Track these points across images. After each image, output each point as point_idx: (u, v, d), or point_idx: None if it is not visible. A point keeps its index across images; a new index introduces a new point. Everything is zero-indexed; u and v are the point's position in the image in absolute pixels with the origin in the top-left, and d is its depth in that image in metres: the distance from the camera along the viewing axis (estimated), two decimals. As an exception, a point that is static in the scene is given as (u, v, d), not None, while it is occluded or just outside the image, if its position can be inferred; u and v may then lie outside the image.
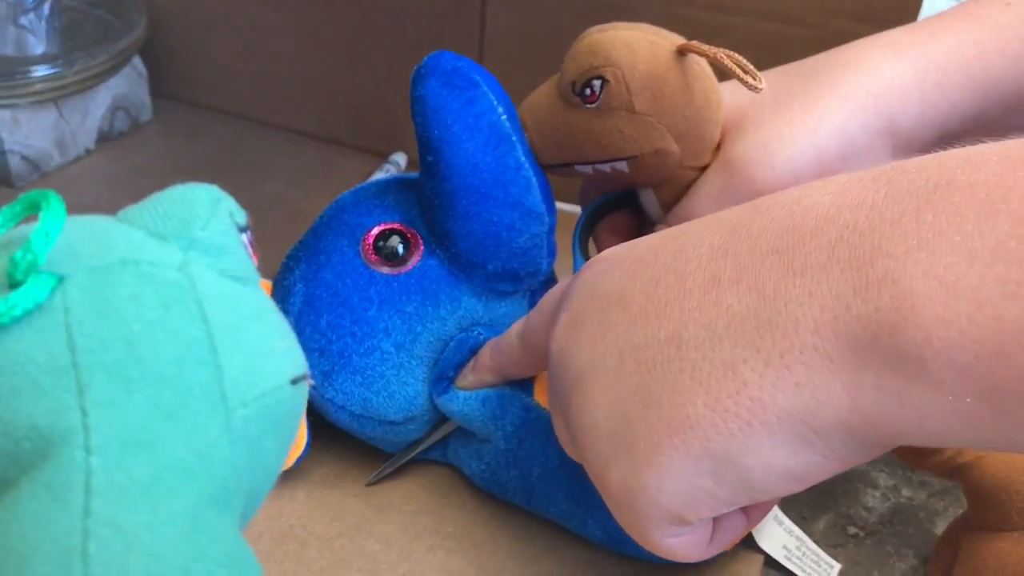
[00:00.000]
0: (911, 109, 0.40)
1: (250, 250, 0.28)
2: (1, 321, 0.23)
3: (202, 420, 0.24)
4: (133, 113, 0.72)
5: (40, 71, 0.62)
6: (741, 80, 0.38)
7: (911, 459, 0.40)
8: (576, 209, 0.50)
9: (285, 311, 0.41)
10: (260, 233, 0.54)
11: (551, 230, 0.43)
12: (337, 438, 0.44)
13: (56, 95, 0.64)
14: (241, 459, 0.24)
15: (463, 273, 0.43)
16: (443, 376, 0.42)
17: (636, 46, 0.40)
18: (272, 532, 0.42)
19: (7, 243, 0.25)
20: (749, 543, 0.42)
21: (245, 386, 0.25)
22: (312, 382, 0.28)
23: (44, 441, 0.22)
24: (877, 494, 0.46)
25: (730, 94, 0.42)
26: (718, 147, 0.42)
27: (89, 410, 0.22)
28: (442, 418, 0.44)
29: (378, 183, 0.46)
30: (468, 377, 0.42)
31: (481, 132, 0.40)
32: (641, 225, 0.47)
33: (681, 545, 0.32)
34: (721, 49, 0.39)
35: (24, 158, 0.64)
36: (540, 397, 0.42)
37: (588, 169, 0.43)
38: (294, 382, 0.27)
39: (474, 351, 0.43)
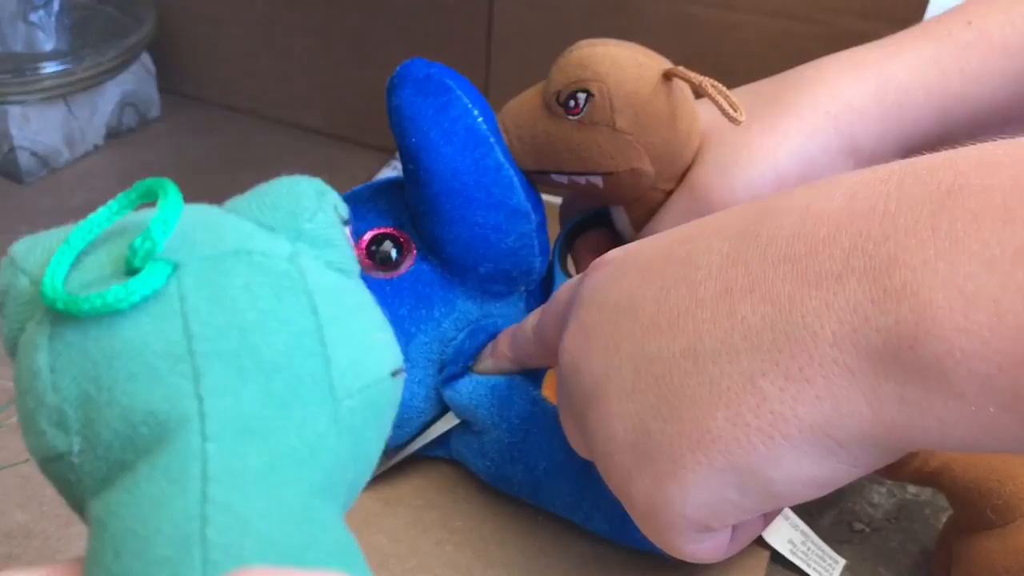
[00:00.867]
0: (872, 127, 0.40)
1: (351, 242, 0.28)
2: (119, 307, 0.23)
3: (312, 410, 0.24)
4: (142, 109, 0.72)
5: (49, 67, 0.62)
6: (723, 111, 0.39)
7: (884, 470, 0.40)
8: (560, 201, 0.50)
9: None
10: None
11: (540, 227, 0.43)
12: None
13: (65, 91, 0.64)
14: (346, 450, 0.25)
15: (456, 277, 0.43)
16: (455, 364, 0.43)
17: (624, 64, 0.41)
18: (281, 526, 0.42)
19: (123, 230, 0.25)
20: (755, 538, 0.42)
21: (351, 377, 0.25)
22: (405, 375, 0.29)
23: (161, 427, 0.22)
24: (883, 490, 0.46)
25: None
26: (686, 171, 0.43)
27: (205, 397, 0.23)
28: (430, 422, 0.44)
29: (371, 186, 0.46)
30: (487, 362, 0.42)
31: (458, 136, 0.41)
32: (619, 243, 0.47)
33: (703, 549, 0.32)
34: (706, 78, 0.39)
35: (33, 154, 0.65)
36: (548, 391, 0.43)
37: (564, 179, 0.43)
38: (394, 374, 0.27)
39: (488, 339, 0.43)
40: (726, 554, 0.34)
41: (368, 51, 0.67)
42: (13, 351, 0.25)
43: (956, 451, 0.26)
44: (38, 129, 0.64)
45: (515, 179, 0.42)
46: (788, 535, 0.42)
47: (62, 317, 0.24)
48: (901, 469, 0.39)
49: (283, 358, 0.24)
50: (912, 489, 0.46)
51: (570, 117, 0.41)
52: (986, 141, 0.27)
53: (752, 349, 0.28)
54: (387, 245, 0.43)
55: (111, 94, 0.69)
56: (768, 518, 0.35)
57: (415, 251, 0.43)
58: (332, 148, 0.71)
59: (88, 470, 0.23)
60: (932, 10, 0.51)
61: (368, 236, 0.43)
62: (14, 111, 0.62)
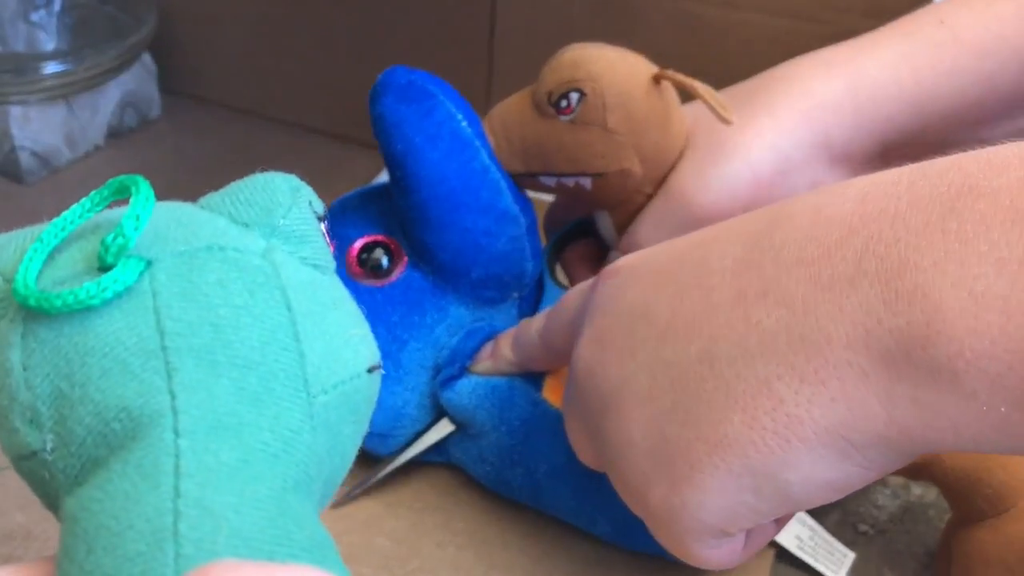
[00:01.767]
0: (845, 122, 0.41)
1: (327, 239, 0.28)
2: (92, 303, 0.23)
3: (286, 406, 0.24)
4: (142, 109, 0.72)
5: (50, 67, 0.62)
6: (715, 112, 0.39)
7: None
8: (551, 199, 0.51)
9: None
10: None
11: (530, 230, 0.43)
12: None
13: (66, 91, 0.64)
14: (321, 445, 0.25)
15: (448, 283, 0.43)
16: (451, 365, 0.42)
17: (617, 65, 0.41)
18: (282, 528, 0.42)
19: (95, 227, 0.25)
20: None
21: (326, 373, 0.25)
22: (383, 371, 0.29)
23: (134, 422, 0.23)
24: (887, 492, 0.46)
25: None
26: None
27: (178, 393, 0.23)
28: (421, 430, 0.44)
29: (361, 193, 0.46)
30: (486, 363, 0.42)
31: (443, 141, 0.41)
32: (606, 252, 0.48)
33: (719, 555, 0.32)
34: (696, 81, 0.39)
35: (34, 154, 0.65)
36: (549, 394, 0.42)
37: (551, 181, 0.43)
38: (370, 370, 0.27)
39: (485, 340, 0.43)
40: (742, 559, 0.33)
41: (370, 51, 0.67)
42: None
43: (970, 452, 0.27)
44: (39, 129, 0.64)
45: (502, 182, 0.42)
46: (795, 531, 0.42)
47: (35, 314, 0.24)
48: None
49: (256, 353, 0.24)
50: (917, 491, 0.46)
51: (562, 117, 0.41)
52: (960, 138, 0.27)
53: (767, 352, 0.28)
54: (378, 253, 0.43)
55: (112, 94, 0.68)
56: (781, 523, 0.35)
57: (406, 258, 0.43)
58: (334, 148, 0.71)
59: (62, 467, 0.23)
60: (935, 8, 0.50)
61: (359, 244, 0.43)
62: (15, 111, 0.62)
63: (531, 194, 0.45)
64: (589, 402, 0.33)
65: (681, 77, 0.40)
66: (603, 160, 0.41)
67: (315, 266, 0.27)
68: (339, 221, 0.44)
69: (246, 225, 0.26)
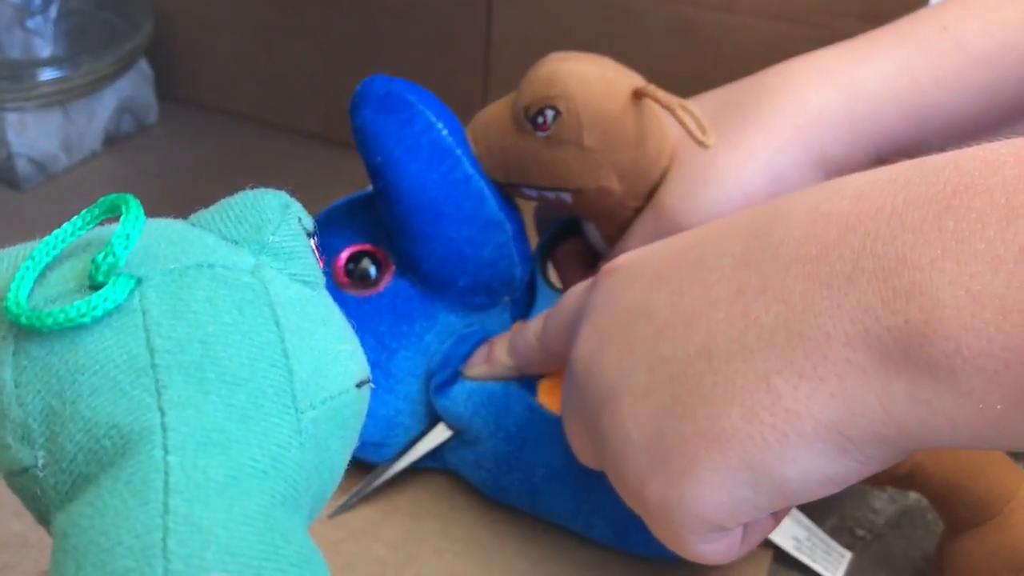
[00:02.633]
0: (842, 137, 0.40)
1: (317, 255, 0.29)
2: (82, 321, 0.24)
3: (274, 422, 0.24)
4: (139, 115, 0.72)
5: (47, 74, 0.62)
6: (692, 135, 0.38)
7: (866, 479, 0.40)
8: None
9: None
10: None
11: (516, 236, 0.43)
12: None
13: (62, 98, 0.64)
14: (310, 460, 0.25)
15: (436, 292, 0.43)
16: (444, 370, 0.42)
17: (593, 83, 0.40)
18: (279, 535, 0.42)
19: (86, 245, 0.26)
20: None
21: (314, 389, 0.25)
22: (372, 385, 0.29)
23: (124, 439, 0.23)
24: (884, 496, 0.46)
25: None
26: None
27: (167, 410, 0.23)
28: (415, 438, 0.44)
29: (348, 202, 0.46)
30: (480, 367, 0.42)
31: (422, 151, 0.40)
32: (598, 251, 0.48)
33: (716, 550, 0.32)
34: (676, 99, 0.39)
35: (31, 160, 0.65)
36: (544, 398, 0.42)
37: (532, 193, 0.43)
38: (359, 385, 0.27)
39: (477, 344, 0.43)
40: (739, 554, 0.33)
41: (367, 55, 0.67)
42: None
43: (967, 448, 0.27)
44: (36, 135, 0.64)
45: (486, 190, 0.42)
46: (792, 532, 0.42)
47: (26, 332, 0.24)
48: (878, 474, 0.39)
49: (245, 370, 0.24)
50: (914, 495, 0.46)
51: (539, 133, 0.41)
52: (959, 148, 0.27)
53: (766, 348, 0.28)
54: (365, 263, 0.43)
55: (109, 100, 0.68)
56: (778, 518, 0.35)
57: (393, 267, 0.43)
58: (331, 153, 0.71)
59: (52, 483, 0.24)
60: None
61: (345, 254, 0.43)
62: (11, 118, 0.62)
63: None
64: (587, 399, 0.33)
65: (661, 95, 0.39)
66: (580, 178, 0.41)
67: (304, 282, 0.27)
68: (326, 231, 0.44)
69: (236, 242, 0.27)
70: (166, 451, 0.23)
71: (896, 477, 0.39)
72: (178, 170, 0.69)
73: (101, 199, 0.26)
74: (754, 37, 0.55)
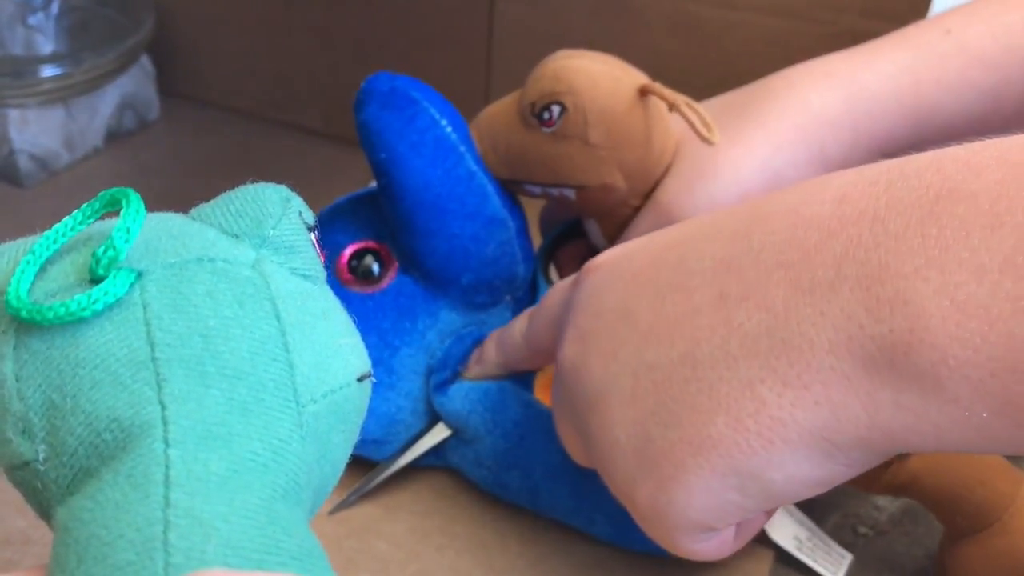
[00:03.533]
0: (842, 137, 0.40)
1: (317, 249, 0.29)
2: (83, 315, 0.24)
3: (275, 415, 0.24)
4: (141, 112, 0.72)
5: (48, 70, 0.62)
6: (697, 132, 0.38)
7: (860, 485, 0.40)
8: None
9: None
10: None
11: (519, 234, 0.43)
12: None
13: (64, 94, 0.64)
14: (311, 454, 0.25)
15: (439, 289, 0.43)
16: (443, 370, 0.42)
17: (599, 79, 0.40)
18: (281, 532, 0.42)
19: (87, 239, 0.26)
20: (760, 535, 0.41)
21: (315, 383, 0.25)
22: (374, 380, 0.29)
23: (124, 433, 0.23)
24: (887, 493, 0.46)
25: None
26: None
27: (168, 404, 0.23)
28: (416, 435, 0.44)
29: (352, 199, 0.46)
30: (474, 368, 0.42)
31: (426, 148, 0.40)
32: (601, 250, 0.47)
33: (708, 548, 0.32)
34: (682, 96, 0.39)
35: (33, 157, 0.64)
36: (540, 393, 0.42)
37: (537, 189, 0.43)
38: (360, 379, 0.27)
39: (476, 344, 0.43)
40: (731, 551, 0.34)
41: (368, 52, 0.67)
42: None
43: (951, 452, 0.27)
44: (37, 132, 0.64)
45: (489, 187, 0.42)
46: (794, 532, 0.42)
47: (27, 326, 0.24)
48: (875, 482, 0.39)
49: (246, 364, 0.24)
50: (917, 492, 0.46)
51: (544, 129, 0.41)
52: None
53: (749, 356, 0.28)
54: (368, 260, 0.43)
55: (110, 96, 0.68)
56: (769, 513, 0.35)
57: (396, 264, 0.43)
58: (332, 149, 0.71)
59: (53, 477, 0.24)
60: (936, 8, 0.50)
61: (349, 251, 0.43)
62: (13, 114, 0.62)
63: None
64: (575, 402, 0.34)
65: (666, 92, 0.39)
66: (584, 174, 0.41)
67: (305, 276, 0.27)
68: (329, 228, 0.44)
69: (236, 236, 0.27)
70: (167, 444, 0.22)
71: (893, 486, 0.39)
72: (180, 167, 0.69)
73: (101, 193, 0.26)
74: (756, 33, 0.55)
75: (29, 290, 0.24)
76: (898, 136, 0.40)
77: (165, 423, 0.23)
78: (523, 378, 0.43)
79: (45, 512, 0.25)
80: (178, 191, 0.65)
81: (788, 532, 0.42)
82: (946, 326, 0.24)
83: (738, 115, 0.41)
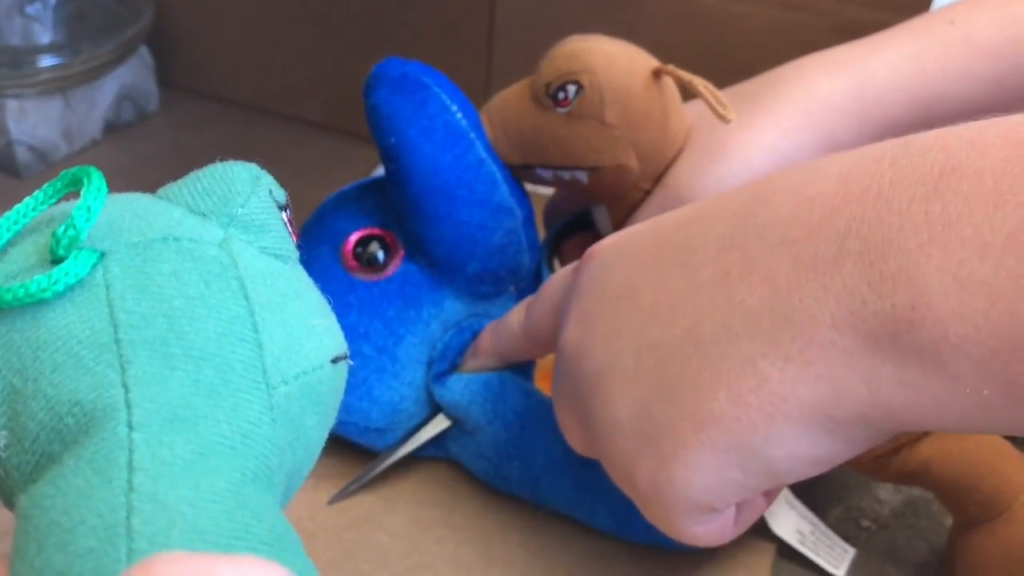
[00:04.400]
0: (850, 124, 0.40)
1: (290, 228, 0.28)
2: (43, 296, 0.23)
3: (244, 397, 0.24)
4: (140, 103, 0.71)
5: (46, 61, 0.61)
6: (713, 109, 0.38)
7: (868, 471, 0.40)
8: (549, 191, 0.50)
9: None
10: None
11: (526, 223, 0.43)
12: (344, 430, 0.44)
13: (63, 85, 0.63)
14: (283, 437, 0.25)
15: (444, 277, 0.43)
16: (443, 361, 0.42)
17: (616, 59, 0.40)
18: (280, 524, 0.42)
19: (49, 219, 0.25)
20: (762, 529, 0.41)
21: (286, 364, 0.25)
22: (351, 362, 0.28)
23: (87, 417, 0.22)
24: (889, 487, 0.46)
25: None
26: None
27: (131, 386, 0.23)
28: (417, 425, 0.43)
29: (357, 186, 0.45)
30: (470, 362, 0.42)
31: (437, 133, 0.40)
32: None
33: (708, 531, 0.32)
34: (696, 76, 0.39)
35: (31, 148, 0.64)
36: (540, 383, 0.42)
37: (548, 174, 0.43)
38: (335, 361, 0.27)
39: (475, 337, 0.43)
40: (732, 535, 0.33)
41: (368, 43, 0.67)
42: None
43: (952, 432, 0.27)
44: (36, 123, 0.64)
45: (498, 174, 0.42)
46: (796, 525, 0.41)
47: None
48: (884, 470, 0.39)
49: (212, 344, 0.24)
50: (919, 485, 0.46)
51: (559, 109, 0.41)
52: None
53: (752, 331, 0.28)
54: (374, 247, 0.43)
55: (109, 88, 0.68)
56: (770, 497, 0.35)
57: (402, 252, 0.43)
58: (332, 141, 0.70)
59: (15, 464, 0.23)
60: (939, 0, 0.50)
61: (354, 238, 0.43)
62: (11, 105, 0.62)
63: (529, 188, 0.45)
64: (576, 384, 0.33)
65: (681, 73, 0.39)
66: (599, 155, 0.41)
67: (276, 255, 0.27)
68: (334, 215, 0.44)
69: (203, 215, 0.26)
70: (131, 428, 0.22)
71: (903, 474, 0.39)
72: (179, 158, 0.68)
73: (62, 172, 0.25)
74: (758, 24, 0.54)
75: None
76: (904, 124, 0.41)
77: (129, 406, 0.22)
78: (523, 368, 0.42)
79: (8, 500, 0.24)
80: (177, 183, 0.64)
81: (790, 525, 0.41)
82: (948, 303, 0.24)
83: (749, 101, 0.41)
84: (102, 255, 0.24)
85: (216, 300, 0.24)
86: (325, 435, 0.27)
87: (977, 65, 0.40)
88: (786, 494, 0.41)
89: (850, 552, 0.41)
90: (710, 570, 0.41)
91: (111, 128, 0.70)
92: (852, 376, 0.26)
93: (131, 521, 0.20)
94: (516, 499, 0.43)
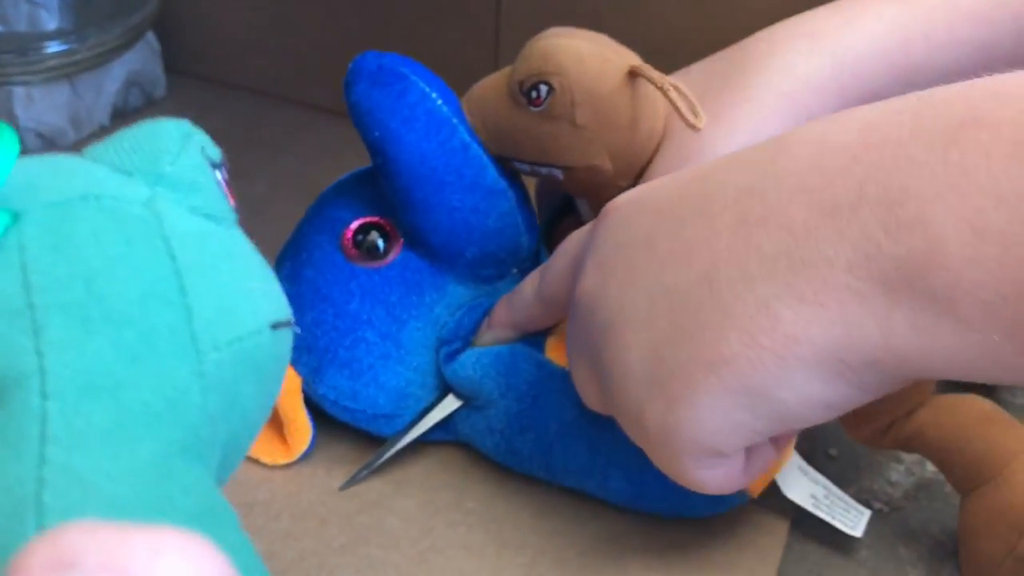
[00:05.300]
0: (830, 102, 0.40)
1: (225, 188, 0.27)
2: None
3: (169, 363, 0.23)
4: (147, 89, 0.71)
5: (53, 47, 0.61)
6: (682, 117, 0.38)
7: (867, 439, 0.41)
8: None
9: None
10: (276, 209, 0.54)
11: (520, 204, 0.43)
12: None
13: (69, 71, 0.63)
14: (215, 406, 0.23)
15: (445, 264, 0.43)
16: (454, 339, 0.42)
17: (588, 60, 0.40)
18: (292, 510, 0.42)
19: None
20: (775, 507, 0.41)
21: (218, 329, 0.24)
22: (298, 330, 0.27)
23: None
24: (901, 468, 0.45)
25: None
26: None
27: (46, 352, 0.21)
28: (426, 408, 0.43)
29: (357, 175, 0.46)
30: (486, 335, 0.42)
31: (419, 121, 0.40)
32: None
33: (715, 477, 0.32)
34: (669, 79, 0.38)
35: (39, 135, 0.64)
36: (552, 354, 0.42)
37: (525, 167, 0.43)
38: (275, 327, 0.25)
39: (485, 315, 0.43)
40: (741, 484, 0.33)
41: (376, 27, 0.66)
42: None
43: (962, 379, 0.27)
44: (43, 110, 0.64)
45: (485, 158, 0.41)
46: (810, 490, 0.41)
47: None
48: (883, 436, 0.39)
49: (135, 308, 0.22)
50: (931, 467, 0.45)
51: (533, 108, 0.40)
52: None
53: (767, 275, 0.28)
54: (373, 235, 0.43)
55: (116, 73, 0.68)
56: (779, 446, 0.35)
57: (402, 240, 0.43)
58: (341, 126, 0.70)
59: None
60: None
61: (354, 226, 0.43)
62: (19, 91, 0.62)
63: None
64: (590, 333, 0.34)
65: (654, 75, 0.39)
66: (571, 155, 0.41)
67: (207, 216, 0.25)
68: (333, 203, 0.44)
69: (129, 173, 0.25)
70: (44, 397, 0.21)
71: (900, 439, 0.39)
72: (187, 144, 0.68)
73: None
74: (766, 5, 0.54)
75: None
76: (886, 95, 0.40)
77: (42, 373, 0.21)
78: (534, 340, 0.42)
79: None
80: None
81: (804, 490, 0.41)
82: (963, 250, 0.24)
83: (722, 87, 0.40)
84: (16, 216, 0.23)
85: (139, 261, 0.23)
86: (268, 405, 0.26)
87: (960, 31, 0.39)
88: (798, 460, 0.41)
89: (866, 514, 0.41)
90: (722, 551, 0.41)
91: (119, 114, 0.70)
92: (866, 320, 0.26)
93: (42, 495, 0.19)
94: (528, 481, 0.43)
